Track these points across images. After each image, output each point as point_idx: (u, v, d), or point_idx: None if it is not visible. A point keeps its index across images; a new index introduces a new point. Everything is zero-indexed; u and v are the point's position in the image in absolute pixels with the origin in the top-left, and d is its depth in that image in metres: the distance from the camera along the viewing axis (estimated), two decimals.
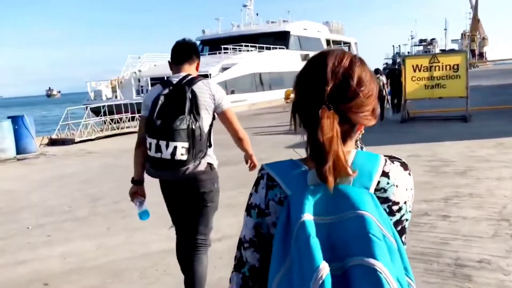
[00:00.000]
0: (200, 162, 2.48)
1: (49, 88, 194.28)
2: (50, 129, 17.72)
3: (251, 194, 1.00)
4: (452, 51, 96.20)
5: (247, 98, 25.80)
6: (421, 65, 11.85)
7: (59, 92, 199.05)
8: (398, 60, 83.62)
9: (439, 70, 11.72)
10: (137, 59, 27.74)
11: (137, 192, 2.68)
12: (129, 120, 15.20)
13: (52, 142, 12.72)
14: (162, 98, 2.45)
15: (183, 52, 2.69)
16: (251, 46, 27.73)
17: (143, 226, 4.33)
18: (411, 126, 11.60)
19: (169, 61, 2.76)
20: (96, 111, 17.64)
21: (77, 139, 12.40)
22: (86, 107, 16.95)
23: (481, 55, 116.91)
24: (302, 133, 0.95)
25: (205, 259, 2.66)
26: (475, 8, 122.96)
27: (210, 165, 2.59)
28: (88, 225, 5.07)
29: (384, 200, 0.92)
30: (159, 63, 28.58)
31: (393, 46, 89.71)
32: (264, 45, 28.83)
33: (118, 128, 14.11)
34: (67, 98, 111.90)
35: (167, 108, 2.43)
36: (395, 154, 0.99)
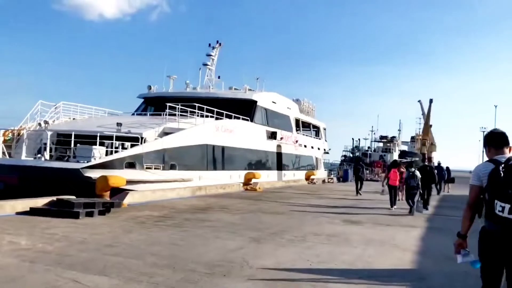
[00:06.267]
0: None
1: None
2: None
3: None
4: (405, 152, 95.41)
5: (194, 177, 18.44)
6: None
7: None
8: (357, 153, 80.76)
9: None
10: (52, 108, 19.99)
11: (462, 244, 3.55)
12: None
13: None
14: (501, 172, 3.26)
15: (504, 139, 3.58)
16: (207, 111, 20.93)
17: None
18: None
19: (487, 145, 3.60)
20: None
21: None
22: None
23: (430, 159, 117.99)
24: None
25: None
26: (428, 114, 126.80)
27: None
28: None
29: None
30: (79, 117, 21.15)
31: (352, 139, 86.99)
32: (224, 112, 22.14)
33: None
34: None
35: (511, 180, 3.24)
36: None
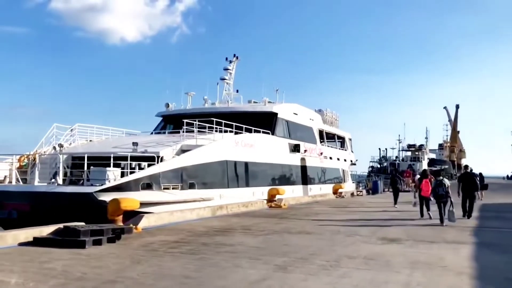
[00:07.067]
0: None
1: None
2: None
3: None
4: (434, 160, 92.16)
5: (214, 196, 17.49)
6: None
7: None
8: (384, 164, 78.54)
9: None
10: (67, 131, 19.52)
11: None
12: None
13: None
14: None
15: None
16: (226, 125, 20.05)
17: None
18: None
19: None
20: None
21: None
22: None
23: (459, 166, 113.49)
24: None
25: None
26: (455, 120, 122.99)
27: None
28: None
29: None
30: (96, 139, 20.63)
31: (379, 149, 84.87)
32: (244, 126, 21.24)
33: None
34: None
35: None
36: None
